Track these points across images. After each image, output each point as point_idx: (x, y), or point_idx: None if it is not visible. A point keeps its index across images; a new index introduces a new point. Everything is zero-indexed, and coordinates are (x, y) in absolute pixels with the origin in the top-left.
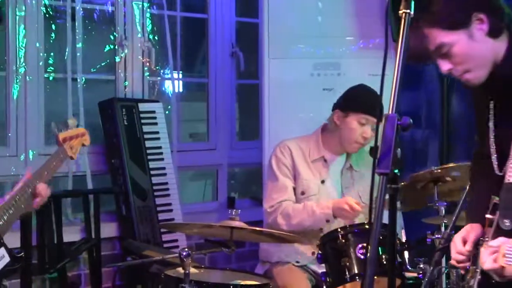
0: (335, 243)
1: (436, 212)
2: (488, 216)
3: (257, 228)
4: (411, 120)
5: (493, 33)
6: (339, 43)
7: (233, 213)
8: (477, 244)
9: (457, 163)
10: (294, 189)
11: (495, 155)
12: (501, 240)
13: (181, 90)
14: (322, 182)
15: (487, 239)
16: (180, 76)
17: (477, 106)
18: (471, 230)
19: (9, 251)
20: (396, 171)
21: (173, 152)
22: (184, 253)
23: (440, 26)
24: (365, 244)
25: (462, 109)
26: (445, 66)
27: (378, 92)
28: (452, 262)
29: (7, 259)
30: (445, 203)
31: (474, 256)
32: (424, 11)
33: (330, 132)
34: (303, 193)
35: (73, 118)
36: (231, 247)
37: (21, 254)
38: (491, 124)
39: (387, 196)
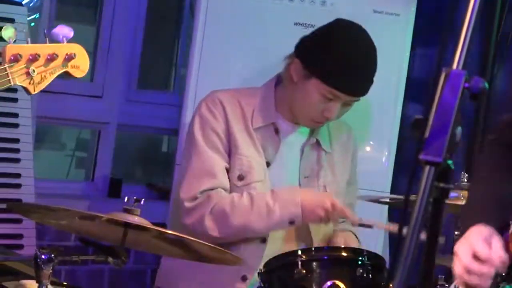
0: (290, 272)
1: (451, 247)
2: None
3: (174, 233)
4: (486, 84)
5: None
6: None
7: (133, 203)
8: None
9: None
10: (228, 170)
11: None
12: None
13: None
14: (268, 164)
15: None
16: None
17: None
18: (489, 233)
19: None
20: (450, 162)
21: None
22: (44, 257)
23: None
24: (336, 282)
25: None
26: None
27: None
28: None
29: None
30: None
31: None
32: None
33: (287, 88)
34: (241, 177)
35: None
36: (121, 257)
37: None
38: None
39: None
